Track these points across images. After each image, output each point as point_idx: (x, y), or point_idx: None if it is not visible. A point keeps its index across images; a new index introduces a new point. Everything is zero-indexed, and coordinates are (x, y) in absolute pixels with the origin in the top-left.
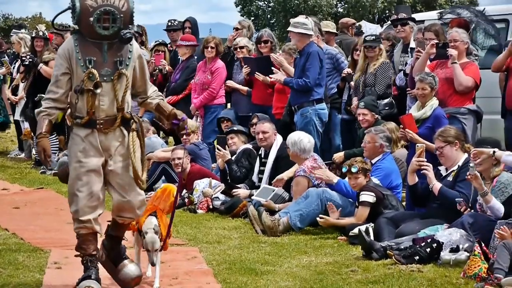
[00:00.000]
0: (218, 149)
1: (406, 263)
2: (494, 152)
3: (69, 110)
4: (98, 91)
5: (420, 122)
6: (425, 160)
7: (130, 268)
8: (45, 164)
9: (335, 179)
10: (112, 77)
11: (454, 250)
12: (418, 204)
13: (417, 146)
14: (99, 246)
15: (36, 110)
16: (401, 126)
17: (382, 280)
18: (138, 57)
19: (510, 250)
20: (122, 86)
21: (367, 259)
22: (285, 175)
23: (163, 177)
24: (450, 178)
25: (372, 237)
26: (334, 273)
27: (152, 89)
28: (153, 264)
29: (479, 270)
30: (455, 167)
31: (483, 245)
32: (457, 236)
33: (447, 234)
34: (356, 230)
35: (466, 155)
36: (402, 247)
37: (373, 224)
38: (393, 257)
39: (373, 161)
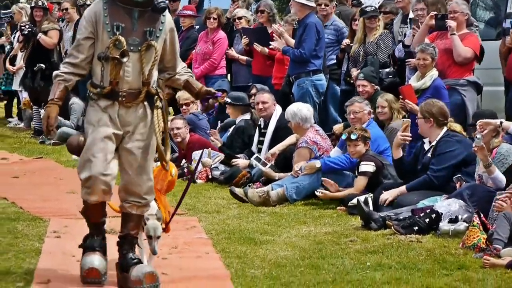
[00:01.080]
0: (211, 140)
1: (405, 233)
2: (501, 122)
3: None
4: (125, 60)
5: (419, 92)
6: (410, 135)
7: (139, 266)
8: (47, 133)
9: (317, 164)
10: (139, 48)
11: (453, 220)
12: (405, 177)
13: (403, 120)
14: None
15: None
16: (400, 96)
17: (381, 250)
18: (170, 30)
19: (510, 220)
20: (150, 58)
21: (366, 229)
22: (277, 149)
23: None
24: (429, 155)
25: (371, 207)
26: (333, 243)
27: (181, 65)
28: (154, 253)
29: (477, 240)
30: (434, 142)
31: (482, 215)
32: (456, 206)
33: (446, 205)
34: (355, 201)
35: (444, 129)
36: (401, 217)
37: (372, 194)
38: (392, 227)
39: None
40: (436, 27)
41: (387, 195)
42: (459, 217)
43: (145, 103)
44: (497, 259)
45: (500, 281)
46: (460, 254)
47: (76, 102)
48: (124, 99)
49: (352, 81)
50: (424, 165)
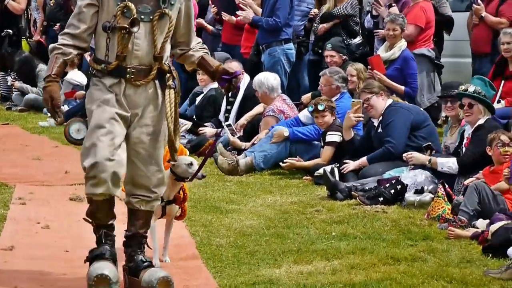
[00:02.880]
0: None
1: (370, 204)
2: (430, 160)
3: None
4: (135, 30)
5: (388, 63)
6: (362, 115)
7: (152, 270)
8: (53, 116)
9: (285, 132)
10: (151, 17)
11: (419, 191)
12: (359, 155)
13: (353, 101)
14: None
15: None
16: (369, 67)
17: (347, 220)
18: None
19: (481, 192)
20: (163, 30)
21: (332, 200)
22: (245, 119)
23: None
24: (380, 130)
25: (337, 178)
26: (299, 213)
27: (195, 40)
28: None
29: (442, 211)
30: (381, 117)
31: (447, 186)
32: (422, 177)
33: (412, 176)
34: (321, 171)
35: (389, 101)
36: (367, 188)
37: (338, 165)
38: (357, 198)
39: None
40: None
41: (348, 165)
42: (425, 188)
43: (156, 81)
44: (462, 230)
45: (465, 252)
46: (425, 225)
47: (43, 69)
48: (132, 76)
49: (320, 51)
50: (378, 141)
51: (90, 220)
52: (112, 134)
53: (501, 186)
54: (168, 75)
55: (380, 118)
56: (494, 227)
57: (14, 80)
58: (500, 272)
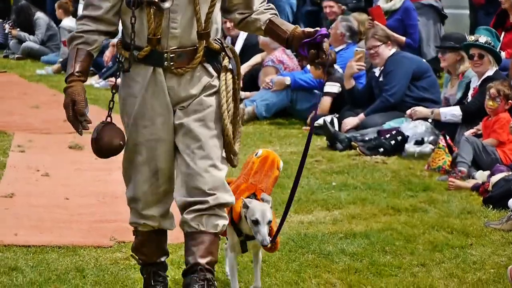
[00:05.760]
0: None
1: (370, 154)
2: (432, 111)
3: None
4: (167, 5)
5: (389, 14)
6: (365, 64)
7: None
8: (75, 126)
9: (287, 80)
10: None
11: (419, 142)
12: (358, 106)
13: (356, 50)
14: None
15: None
16: (369, 18)
17: (347, 171)
18: None
19: (473, 144)
20: None
21: (332, 150)
22: (243, 69)
23: None
24: (381, 79)
25: (336, 128)
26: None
27: (259, 0)
28: (263, 243)
29: (443, 163)
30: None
31: (447, 138)
32: (423, 128)
33: (413, 127)
34: (321, 121)
35: (393, 50)
36: (367, 138)
37: (338, 115)
38: (357, 148)
39: (337, 49)
40: None
41: (347, 125)
42: (425, 139)
43: (206, 65)
44: (462, 182)
45: (465, 203)
46: (425, 176)
47: (41, 17)
48: (172, 63)
49: (318, 1)
50: (379, 90)
51: (136, 257)
52: (154, 160)
53: (490, 142)
54: (222, 53)
55: (382, 67)
56: (494, 178)
57: (11, 28)
58: (501, 223)
